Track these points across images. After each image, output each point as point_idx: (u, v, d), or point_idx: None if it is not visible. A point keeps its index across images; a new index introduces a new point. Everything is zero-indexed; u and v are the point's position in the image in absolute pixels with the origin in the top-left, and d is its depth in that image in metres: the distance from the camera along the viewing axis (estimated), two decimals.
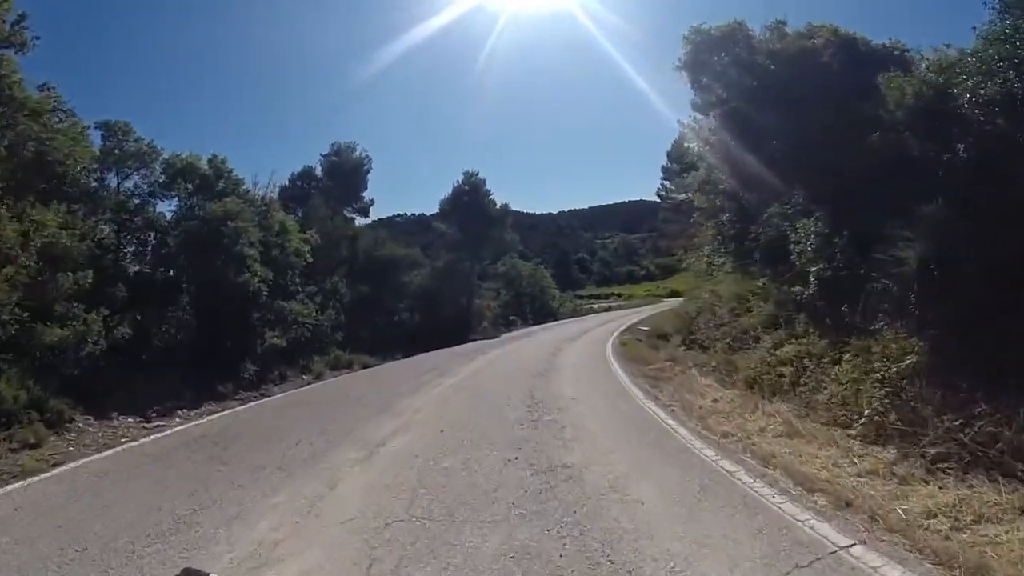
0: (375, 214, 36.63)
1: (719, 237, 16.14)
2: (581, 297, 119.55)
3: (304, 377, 17.44)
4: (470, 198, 34.02)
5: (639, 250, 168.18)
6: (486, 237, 34.38)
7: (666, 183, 40.90)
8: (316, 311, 20.96)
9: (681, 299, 73.55)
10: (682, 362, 12.77)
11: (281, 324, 18.73)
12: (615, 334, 22.81)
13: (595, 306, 76.13)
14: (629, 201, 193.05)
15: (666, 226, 42.83)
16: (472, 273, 34.85)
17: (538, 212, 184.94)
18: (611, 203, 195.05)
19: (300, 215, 27.40)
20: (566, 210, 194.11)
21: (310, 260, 21.40)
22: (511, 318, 38.98)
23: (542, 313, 42.16)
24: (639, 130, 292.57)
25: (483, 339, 28.96)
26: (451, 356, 19.85)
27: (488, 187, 34.71)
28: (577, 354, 17.78)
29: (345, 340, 23.65)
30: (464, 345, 25.35)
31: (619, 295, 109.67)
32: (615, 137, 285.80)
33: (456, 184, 34.61)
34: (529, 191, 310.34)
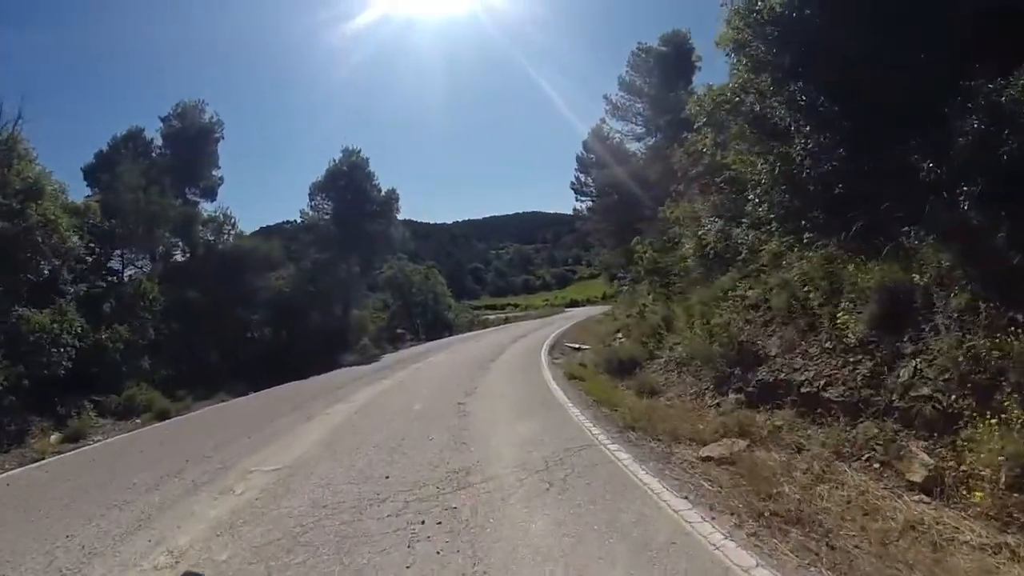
0: (262, 220, 28.48)
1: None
2: (477, 308, 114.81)
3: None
4: (348, 181, 27.19)
5: (534, 260, 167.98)
6: (368, 233, 27.71)
7: (580, 175, 36.82)
8: (85, 326, 13.49)
9: (582, 307, 70.49)
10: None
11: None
12: (544, 355, 17.20)
13: (491, 317, 71.35)
14: (523, 212, 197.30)
15: (582, 222, 38.38)
16: (351, 277, 28.02)
17: (432, 221, 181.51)
18: (505, 214, 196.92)
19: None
20: (460, 220, 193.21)
21: (80, 242, 14.01)
22: (399, 331, 32.51)
23: (436, 326, 35.94)
24: (536, 141, 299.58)
25: (364, 361, 22.38)
26: (270, 407, 12.87)
27: (372, 168, 28.06)
28: (515, 404, 10.18)
29: (162, 368, 16.36)
30: (329, 374, 18.68)
31: (516, 305, 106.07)
32: (512, 148, 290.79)
33: (332, 164, 27.63)
34: (423, 201, 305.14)
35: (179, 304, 19.61)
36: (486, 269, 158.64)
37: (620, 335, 16.10)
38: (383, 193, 27.96)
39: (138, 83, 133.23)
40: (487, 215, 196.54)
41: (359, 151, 27.71)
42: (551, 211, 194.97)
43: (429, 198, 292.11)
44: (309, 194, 27.45)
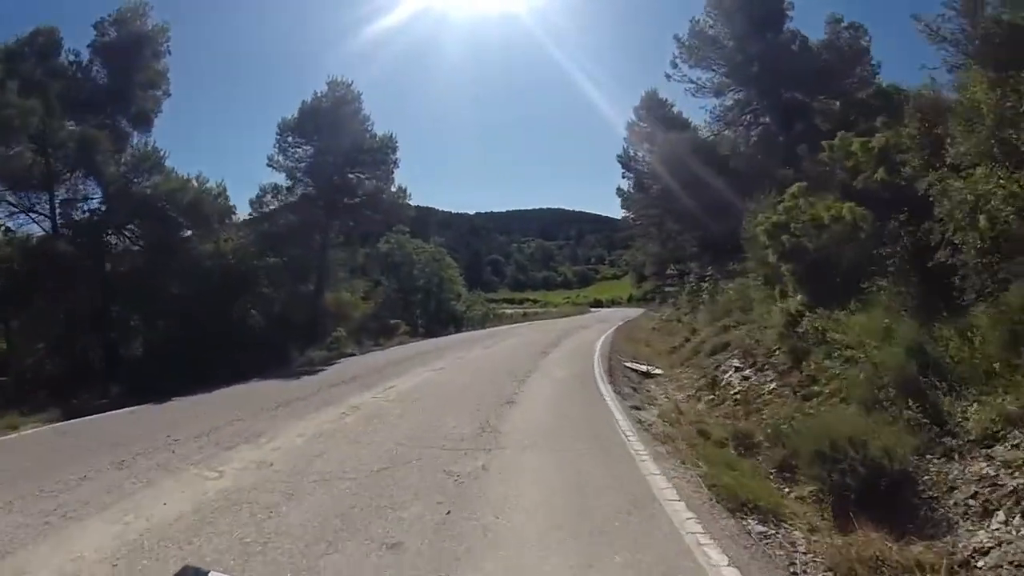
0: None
1: None
2: (494, 300, 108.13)
3: None
4: (333, 120, 20.31)
5: (556, 256, 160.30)
6: (353, 192, 20.89)
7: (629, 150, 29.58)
8: None
9: (607, 308, 63.28)
10: None
11: None
12: (605, 388, 9.86)
13: (508, 311, 64.19)
14: (547, 208, 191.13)
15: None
16: (327, 245, 21.24)
17: (453, 211, 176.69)
18: (529, 208, 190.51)
19: None
20: (483, 212, 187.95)
21: None
22: (392, 322, 25.73)
23: (440, 318, 29.06)
24: (563, 138, 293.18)
25: (302, 371, 15.57)
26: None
27: (364, 106, 21.12)
28: None
29: None
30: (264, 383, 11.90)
31: (535, 301, 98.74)
32: (539, 143, 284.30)
33: (311, 98, 20.73)
34: (445, 190, 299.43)
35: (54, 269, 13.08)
36: (506, 262, 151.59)
37: (734, 362, 9.01)
38: (378, 138, 20.99)
39: None
40: (511, 208, 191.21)
41: (350, 83, 20.85)
42: (575, 208, 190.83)
43: (452, 188, 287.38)
44: (277, 135, 20.58)
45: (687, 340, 14.71)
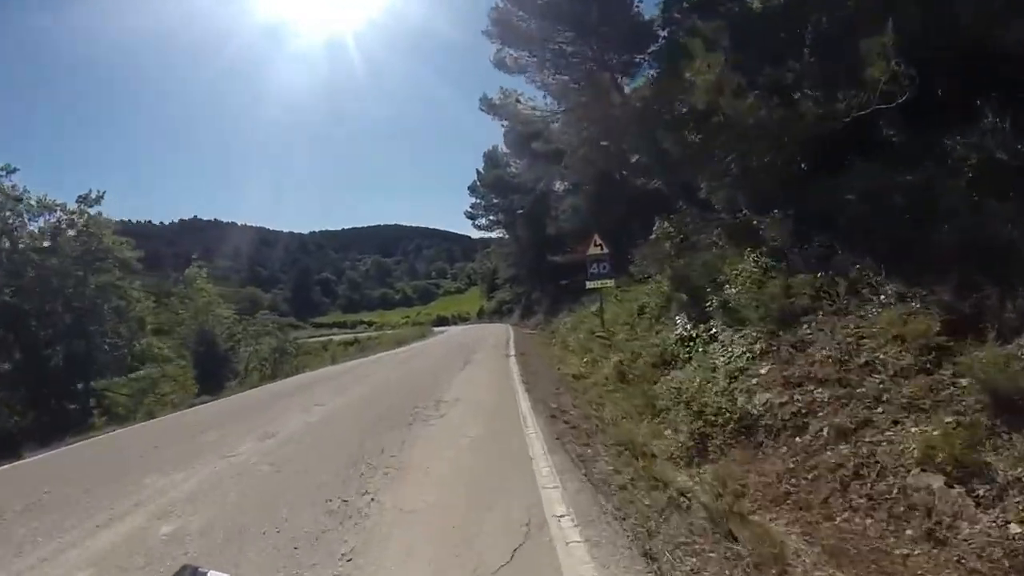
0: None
1: None
2: (321, 326, 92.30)
3: None
4: None
5: (393, 272, 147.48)
6: None
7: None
8: None
9: (456, 326, 52.73)
10: None
11: None
12: None
13: (336, 338, 51.53)
14: (384, 224, 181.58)
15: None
16: None
17: (284, 230, 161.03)
18: (364, 226, 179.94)
19: None
20: (317, 230, 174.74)
21: None
22: None
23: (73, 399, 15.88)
24: (403, 153, 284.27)
25: None
26: None
27: None
28: None
29: None
30: None
31: (369, 323, 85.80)
32: (376, 159, 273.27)
33: None
34: (277, 208, 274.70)
35: None
36: (339, 281, 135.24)
37: None
38: None
39: None
40: (346, 226, 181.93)
41: None
42: (414, 224, 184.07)
43: (282, 206, 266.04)
44: None
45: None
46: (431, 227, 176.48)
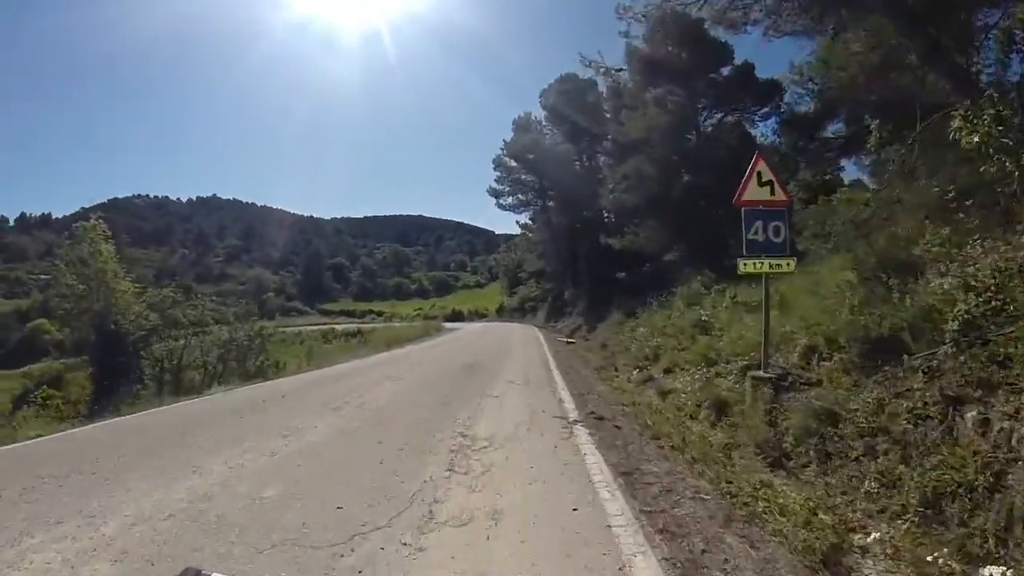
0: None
1: None
2: (328, 313, 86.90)
3: None
4: None
5: (412, 262, 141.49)
6: None
7: None
8: None
9: (473, 323, 46.49)
10: None
11: None
12: None
13: (338, 327, 46.56)
14: (406, 215, 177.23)
15: None
16: None
17: (306, 214, 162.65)
18: (387, 214, 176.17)
19: None
20: (339, 216, 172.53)
21: None
22: None
23: None
24: (431, 145, 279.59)
25: None
26: None
27: None
28: None
29: None
30: None
31: (379, 313, 79.99)
32: (403, 149, 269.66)
33: None
34: (301, 193, 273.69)
35: None
36: (352, 267, 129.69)
37: None
38: None
39: None
40: (368, 214, 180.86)
41: None
42: (435, 216, 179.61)
43: (306, 192, 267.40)
44: None
45: None
46: (455, 220, 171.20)
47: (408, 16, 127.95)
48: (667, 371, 7.56)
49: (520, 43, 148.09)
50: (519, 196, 30.90)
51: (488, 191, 31.60)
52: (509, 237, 69.01)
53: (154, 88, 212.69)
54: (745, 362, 5.48)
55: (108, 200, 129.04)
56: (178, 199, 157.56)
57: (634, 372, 8.41)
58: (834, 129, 13.57)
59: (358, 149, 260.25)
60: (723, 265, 10.70)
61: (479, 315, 61.24)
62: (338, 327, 50.54)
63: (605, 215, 22.24)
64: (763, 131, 15.70)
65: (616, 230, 19.03)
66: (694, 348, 7.14)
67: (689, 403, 5.63)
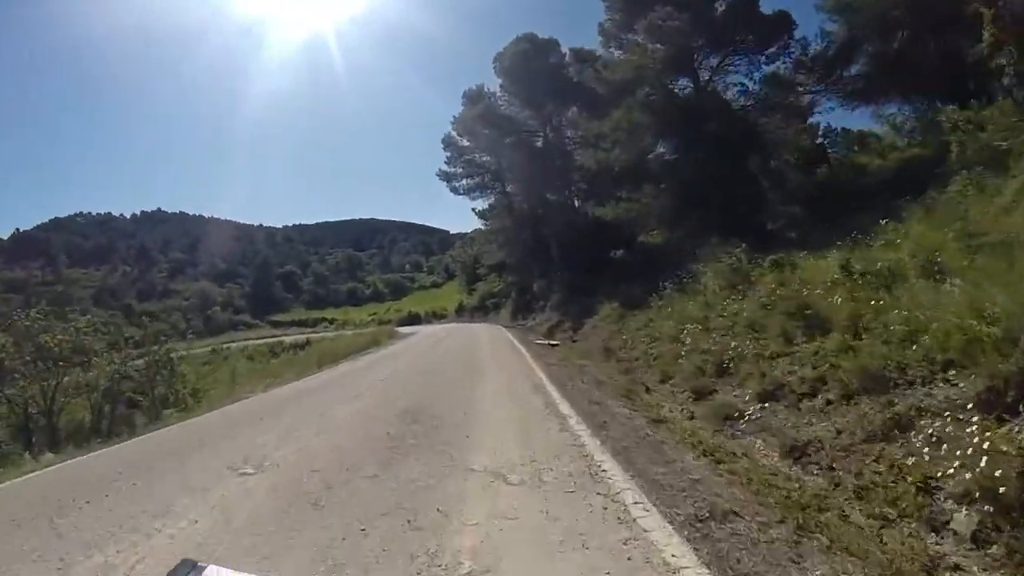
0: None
1: None
2: (279, 324, 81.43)
3: None
4: None
5: (365, 266, 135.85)
6: None
7: None
8: None
9: (431, 325, 42.34)
10: None
11: None
12: None
13: (287, 339, 42.81)
14: (359, 219, 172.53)
15: None
16: None
17: (255, 223, 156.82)
18: (339, 219, 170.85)
19: None
20: (290, 224, 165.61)
21: None
22: None
23: None
24: (380, 146, 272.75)
25: None
26: None
27: None
28: None
29: None
30: None
31: (331, 321, 74.97)
32: (352, 152, 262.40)
33: None
34: (249, 203, 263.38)
35: None
36: (303, 275, 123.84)
37: None
38: None
39: None
40: (320, 220, 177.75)
41: None
42: (387, 217, 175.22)
43: (254, 202, 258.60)
44: None
45: None
46: (408, 220, 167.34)
47: (353, 20, 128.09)
48: (763, 398, 4.17)
49: (466, 43, 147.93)
50: (474, 179, 27.18)
51: (438, 174, 27.81)
52: (465, 235, 65.20)
53: (98, 98, 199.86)
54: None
55: (49, 220, 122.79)
56: (122, 215, 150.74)
57: (689, 399, 4.98)
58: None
59: (307, 155, 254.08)
60: (764, 231, 7.39)
61: (437, 316, 57.28)
62: (287, 339, 46.34)
63: (575, 188, 18.90)
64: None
65: (595, 200, 15.60)
66: (841, 358, 3.75)
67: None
